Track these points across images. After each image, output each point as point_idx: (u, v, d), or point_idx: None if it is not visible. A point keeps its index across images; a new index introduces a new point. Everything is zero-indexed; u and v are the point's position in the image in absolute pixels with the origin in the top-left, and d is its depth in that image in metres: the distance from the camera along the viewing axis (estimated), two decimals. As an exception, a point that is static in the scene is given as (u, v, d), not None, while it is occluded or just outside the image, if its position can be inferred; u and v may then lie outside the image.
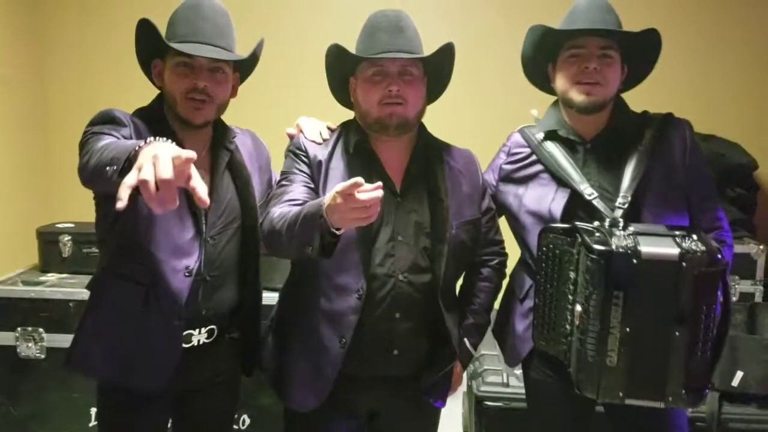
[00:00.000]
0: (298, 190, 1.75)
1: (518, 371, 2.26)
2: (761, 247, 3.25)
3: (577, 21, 1.83)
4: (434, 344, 1.84)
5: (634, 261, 1.60)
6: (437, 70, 1.85)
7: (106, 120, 1.67)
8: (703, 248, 1.60)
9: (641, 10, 3.68)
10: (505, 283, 2.05)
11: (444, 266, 1.77)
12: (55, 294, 2.83)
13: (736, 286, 3.23)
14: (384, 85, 1.75)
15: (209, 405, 1.94)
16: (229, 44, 1.79)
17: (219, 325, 1.84)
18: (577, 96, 1.83)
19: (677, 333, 1.60)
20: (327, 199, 1.49)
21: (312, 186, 1.78)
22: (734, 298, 3.22)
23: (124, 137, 1.62)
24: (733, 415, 2.41)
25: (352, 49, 1.80)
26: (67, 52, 3.87)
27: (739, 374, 2.39)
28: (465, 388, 3.01)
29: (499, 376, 2.66)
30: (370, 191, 1.40)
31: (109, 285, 1.78)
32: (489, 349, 2.72)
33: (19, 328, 2.82)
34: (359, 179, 1.40)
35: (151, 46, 1.77)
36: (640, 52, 1.87)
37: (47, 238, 3.07)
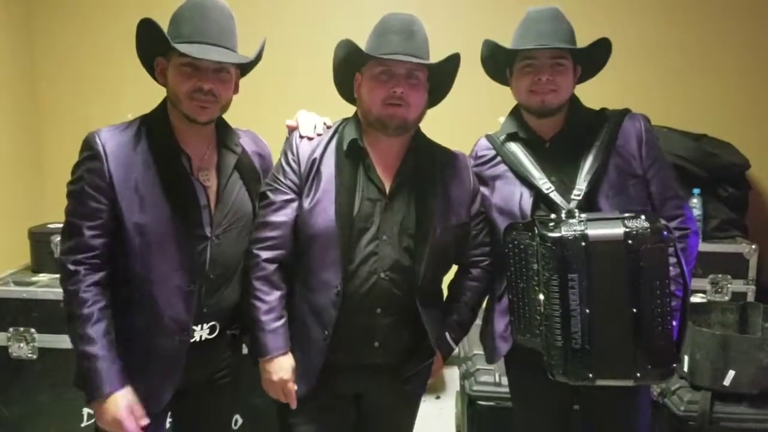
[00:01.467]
0: (279, 217, 1.82)
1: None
2: (753, 246, 3.27)
3: (528, 32, 1.92)
4: (415, 337, 1.88)
5: (583, 244, 1.68)
6: (441, 77, 1.89)
7: (82, 198, 1.70)
8: (647, 225, 1.67)
9: (634, 8, 3.71)
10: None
11: (424, 267, 1.82)
12: (47, 294, 2.82)
13: (729, 286, 3.25)
14: (390, 85, 1.79)
15: (210, 402, 1.95)
16: (233, 44, 1.79)
17: (221, 321, 1.85)
18: (532, 103, 1.93)
19: (634, 309, 1.67)
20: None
21: (293, 197, 1.83)
22: (726, 298, 3.24)
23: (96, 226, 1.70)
24: (724, 414, 2.40)
25: (359, 44, 1.83)
26: (59, 53, 3.87)
27: (731, 373, 2.40)
28: (458, 387, 3.02)
29: (491, 376, 2.67)
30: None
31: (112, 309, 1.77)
32: (481, 349, 2.71)
33: (11, 329, 2.82)
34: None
35: (153, 44, 1.76)
36: (591, 55, 1.95)
37: (39, 239, 3.06)
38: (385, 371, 1.88)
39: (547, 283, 1.72)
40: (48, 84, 3.88)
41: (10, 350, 2.82)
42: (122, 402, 1.68)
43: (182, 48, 1.69)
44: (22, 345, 2.82)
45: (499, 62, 2.02)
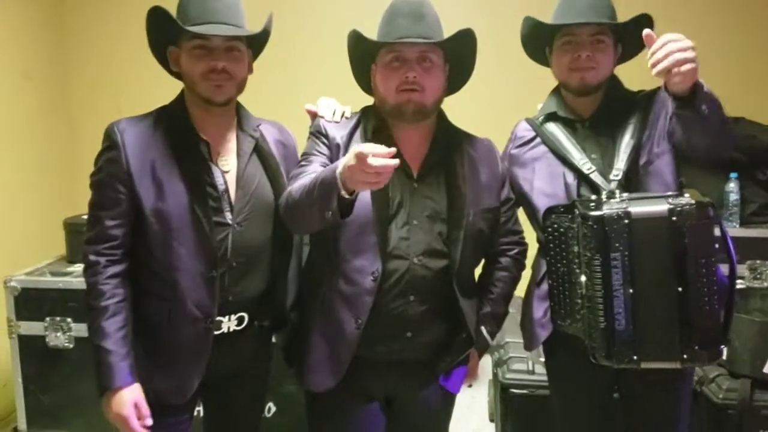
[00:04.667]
0: (316, 169, 1.75)
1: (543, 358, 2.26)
2: (793, 231, 3.20)
3: (569, 9, 1.89)
4: (449, 329, 1.85)
5: (626, 221, 1.65)
6: (458, 57, 1.85)
7: (104, 200, 1.75)
8: (693, 202, 1.64)
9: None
10: (527, 273, 2.05)
11: (460, 252, 1.78)
12: (83, 284, 2.85)
13: (767, 272, 3.18)
14: (402, 71, 1.76)
15: (240, 393, 1.95)
16: (241, 22, 1.79)
17: (248, 312, 1.85)
18: (572, 81, 1.91)
19: (680, 288, 1.64)
20: (342, 161, 1.52)
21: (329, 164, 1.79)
22: (766, 284, 3.16)
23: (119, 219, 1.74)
24: (764, 402, 2.37)
25: (373, 32, 1.80)
26: (90, 46, 3.92)
27: (771, 361, 2.36)
28: (491, 375, 3.00)
29: (525, 364, 2.66)
30: (382, 158, 1.43)
31: (134, 301, 1.78)
32: (514, 337, 2.71)
33: (47, 318, 2.87)
34: (376, 146, 1.44)
35: (163, 33, 1.78)
36: (633, 33, 1.90)
37: (74, 229, 3.10)
38: (418, 368, 1.84)
39: (589, 264, 1.70)
40: (79, 78, 3.93)
41: (47, 339, 2.87)
42: (128, 398, 1.70)
43: (191, 28, 1.71)
44: (58, 334, 2.87)
45: (539, 41, 1.99)
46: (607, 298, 1.67)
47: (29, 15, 3.62)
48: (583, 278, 1.73)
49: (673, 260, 1.64)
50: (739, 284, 3.01)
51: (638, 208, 1.66)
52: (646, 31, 1.60)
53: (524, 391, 2.61)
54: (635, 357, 1.67)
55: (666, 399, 1.90)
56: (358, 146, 1.45)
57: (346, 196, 1.52)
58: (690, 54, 1.54)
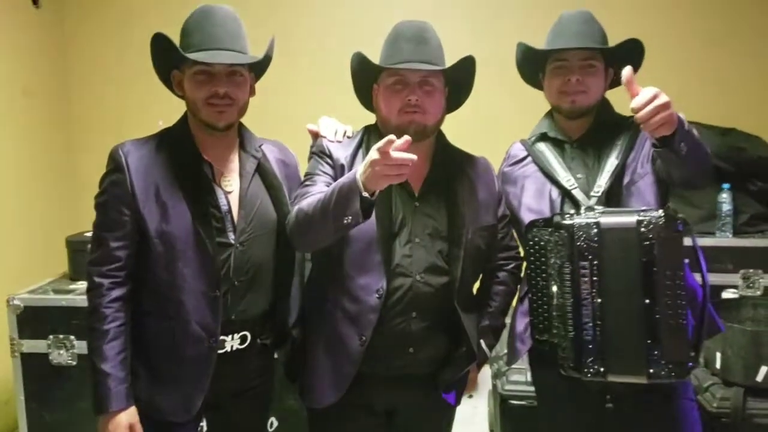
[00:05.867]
0: (321, 189, 1.79)
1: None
2: (785, 240, 3.24)
3: (561, 34, 1.94)
4: (450, 344, 1.88)
5: (595, 230, 1.70)
6: (458, 81, 1.90)
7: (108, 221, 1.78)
8: (662, 215, 1.67)
9: (662, 3, 3.68)
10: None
11: (461, 269, 1.82)
12: (86, 302, 2.86)
13: (760, 280, 3.22)
14: (404, 94, 1.79)
15: (243, 410, 1.97)
16: (243, 47, 1.82)
17: (251, 330, 1.87)
18: (563, 104, 1.95)
19: (647, 300, 1.66)
20: (360, 167, 1.58)
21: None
22: (758, 293, 3.21)
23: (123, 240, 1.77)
24: (757, 410, 2.40)
25: (375, 53, 1.84)
26: (90, 63, 3.95)
27: (764, 369, 2.39)
28: (490, 386, 3.03)
29: (523, 375, 2.67)
30: (401, 146, 1.50)
31: (138, 322, 1.82)
32: (512, 349, 2.74)
33: (50, 336, 2.88)
34: (392, 136, 1.50)
35: (167, 58, 1.81)
36: (624, 57, 1.91)
37: (76, 247, 3.11)
38: (420, 383, 1.87)
39: (560, 272, 1.73)
40: (81, 95, 3.96)
41: (50, 357, 2.88)
42: (124, 422, 1.75)
43: (192, 56, 1.74)
44: (62, 352, 2.88)
45: (532, 65, 2.03)
46: (576, 307, 1.70)
47: (30, 32, 3.65)
48: (554, 288, 1.76)
49: (640, 271, 1.67)
50: (732, 293, 3.05)
51: (608, 219, 1.71)
52: (624, 74, 1.64)
53: (523, 402, 2.62)
54: (602, 369, 1.69)
55: (661, 416, 1.86)
56: (378, 143, 1.52)
57: (368, 196, 1.56)
58: (667, 111, 1.58)
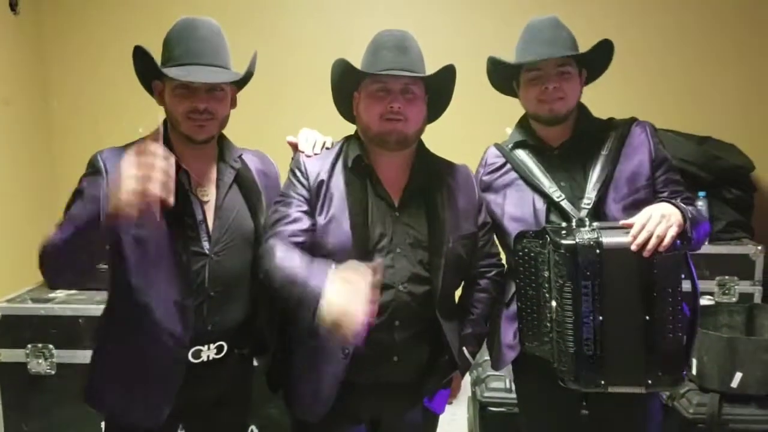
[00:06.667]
0: (294, 213, 1.80)
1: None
2: (759, 247, 3.28)
3: (532, 42, 1.95)
4: (433, 352, 1.89)
5: (597, 251, 1.71)
6: (438, 90, 1.91)
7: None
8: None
9: (636, 10, 3.72)
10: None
11: (441, 278, 1.83)
12: (65, 310, 2.88)
13: (736, 287, 3.27)
14: (386, 101, 1.80)
15: (222, 418, 1.96)
16: (225, 61, 1.82)
17: (228, 341, 1.86)
18: (541, 112, 1.96)
19: (647, 317, 1.70)
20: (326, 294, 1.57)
21: (307, 209, 1.83)
22: (734, 299, 3.25)
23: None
24: (733, 416, 2.43)
25: (354, 62, 1.85)
26: (69, 71, 3.91)
27: (738, 375, 2.42)
28: (470, 393, 3.05)
29: (502, 382, 2.70)
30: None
31: (112, 324, 1.82)
32: (491, 356, 2.75)
33: (29, 345, 2.87)
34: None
35: (149, 68, 1.80)
36: (595, 58, 1.99)
37: (55, 256, 3.09)
38: (404, 390, 1.87)
39: (560, 290, 1.74)
40: (60, 103, 3.94)
41: (28, 366, 2.87)
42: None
43: (171, 72, 1.73)
44: (40, 361, 2.87)
45: (504, 76, 2.05)
46: (577, 324, 1.72)
47: (7, 40, 3.62)
48: (553, 303, 1.77)
49: (641, 289, 1.70)
50: (708, 300, 3.10)
51: (610, 239, 1.72)
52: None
53: (502, 409, 2.65)
54: (602, 382, 1.73)
55: (634, 416, 1.95)
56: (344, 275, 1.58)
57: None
58: (665, 223, 1.68)
